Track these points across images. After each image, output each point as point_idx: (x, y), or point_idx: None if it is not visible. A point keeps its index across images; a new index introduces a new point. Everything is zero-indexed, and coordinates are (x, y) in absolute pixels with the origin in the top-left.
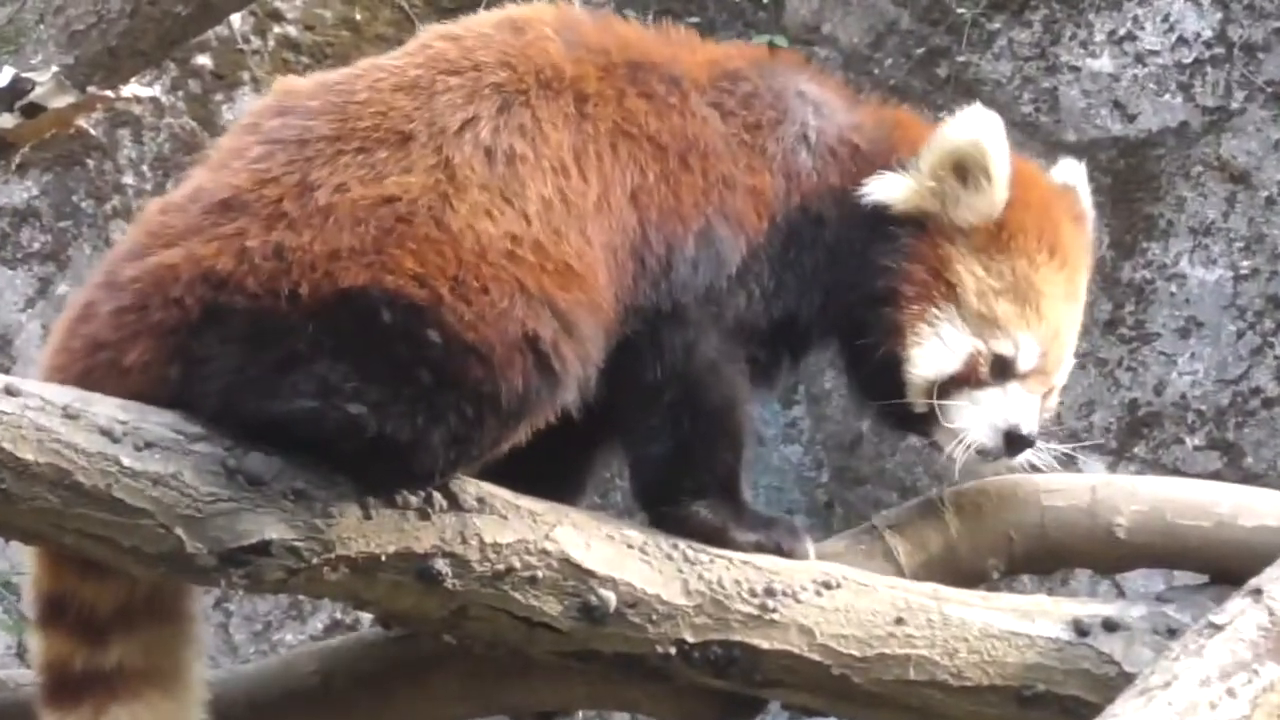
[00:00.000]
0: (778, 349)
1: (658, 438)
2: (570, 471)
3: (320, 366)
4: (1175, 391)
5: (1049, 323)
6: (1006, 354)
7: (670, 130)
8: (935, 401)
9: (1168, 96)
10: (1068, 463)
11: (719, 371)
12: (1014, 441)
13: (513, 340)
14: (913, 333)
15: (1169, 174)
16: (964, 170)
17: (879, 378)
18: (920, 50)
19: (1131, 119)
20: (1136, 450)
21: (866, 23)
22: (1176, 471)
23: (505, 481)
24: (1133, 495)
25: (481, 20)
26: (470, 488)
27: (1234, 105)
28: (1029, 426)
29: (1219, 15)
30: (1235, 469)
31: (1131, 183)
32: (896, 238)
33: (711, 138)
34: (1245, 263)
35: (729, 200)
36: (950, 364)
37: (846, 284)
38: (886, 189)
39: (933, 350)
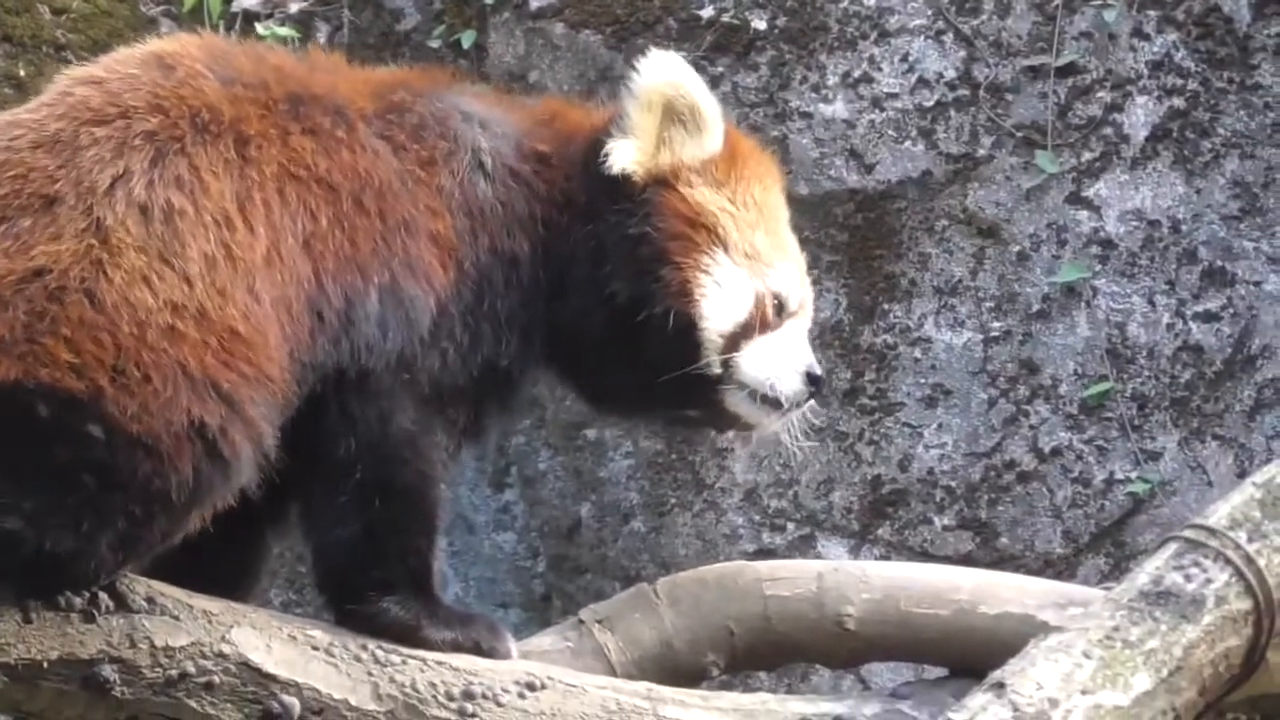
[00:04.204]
0: (482, 402)
1: (345, 519)
2: (243, 557)
3: None
4: (922, 466)
5: (793, 249)
6: (783, 291)
7: (341, 168)
8: (729, 355)
9: (908, 144)
10: (803, 547)
11: (416, 446)
12: (814, 382)
13: (179, 429)
14: (696, 286)
15: (911, 228)
16: (674, 112)
17: (670, 349)
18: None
19: (869, 169)
20: (880, 532)
21: (577, 69)
22: (925, 554)
23: (174, 573)
24: (864, 582)
25: (126, 59)
26: (139, 587)
27: (981, 152)
28: (817, 365)
29: (962, 54)
30: (989, 550)
31: (870, 239)
32: (643, 203)
33: (386, 175)
34: (996, 324)
35: (412, 249)
36: (740, 310)
37: (615, 270)
38: (622, 157)
39: (718, 299)
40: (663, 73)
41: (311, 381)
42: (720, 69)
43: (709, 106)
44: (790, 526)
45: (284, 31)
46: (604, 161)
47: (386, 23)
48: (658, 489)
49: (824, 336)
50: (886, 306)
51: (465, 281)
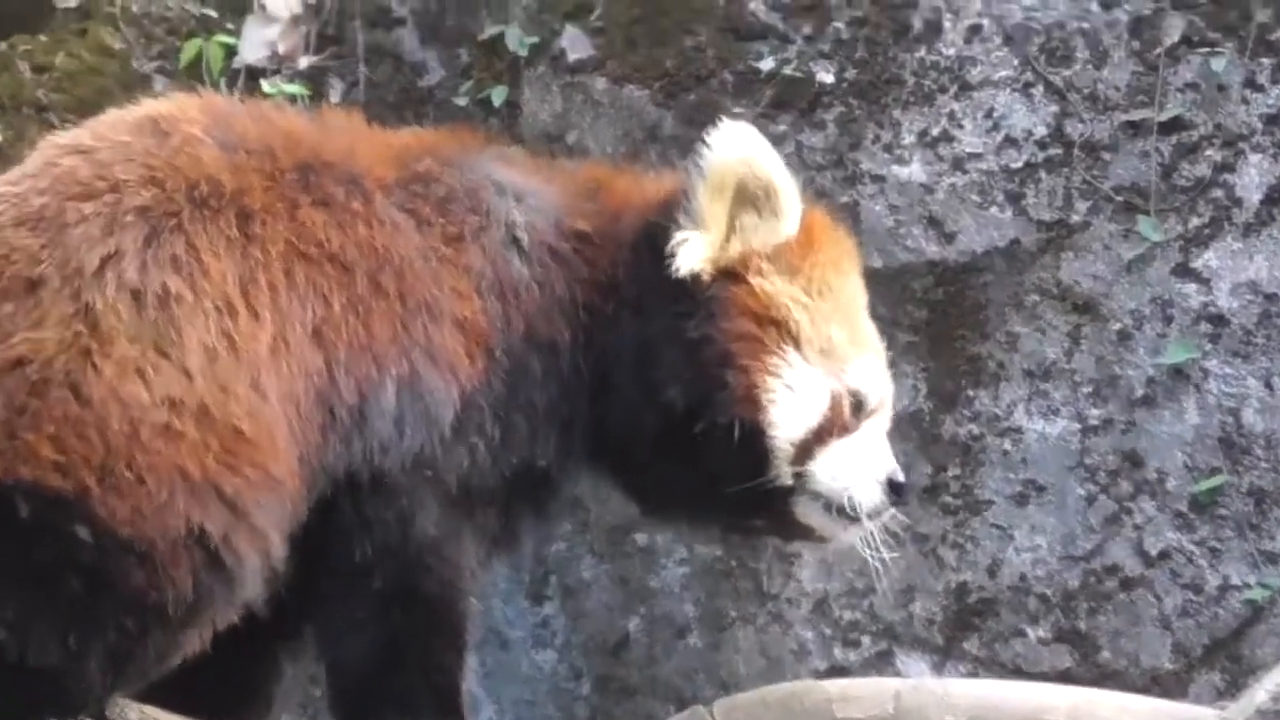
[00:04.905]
0: (516, 504)
1: (362, 634)
2: (253, 681)
3: None
4: (1013, 572)
5: (872, 340)
6: (861, 388)
7: (356, 245)
8: (802, 468)
9: (994, 210)
10: (880, 664)
11: (441, 552)
12: (896, 490)
13: (177, 536)
14: (764, 391)
15: (998, 304)
16: (746, 194)
17: (735, 460)
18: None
19: (950, 239)
20: (967, 646)
21: (621, 128)
22: (1017, 670)
23: (174, 699)
24: (947, 703)
25: (116, 124)
26: (132, 713)
27: (1075, 218)
28: (900, 471)
29: (1054, 109)
30: (1089, 665)
31: (952, 316)
32: (708, 301)
33: (407, 252)
34: (1094, 411)
35: (435, 335)
36: (813, 414)
37: (671, 375)
38: (692, 257)
39: (789, 404)
40: (735, 148)
41: (321, 485)
42: (782, 127)
43: (786, 187)
44: (865, 641)
45: (293, 89)
46: (670, 262)
47: (407, 78)
48: (716, 600)
49: (901, 427)
50: (971, 393)
51: (496, 371)
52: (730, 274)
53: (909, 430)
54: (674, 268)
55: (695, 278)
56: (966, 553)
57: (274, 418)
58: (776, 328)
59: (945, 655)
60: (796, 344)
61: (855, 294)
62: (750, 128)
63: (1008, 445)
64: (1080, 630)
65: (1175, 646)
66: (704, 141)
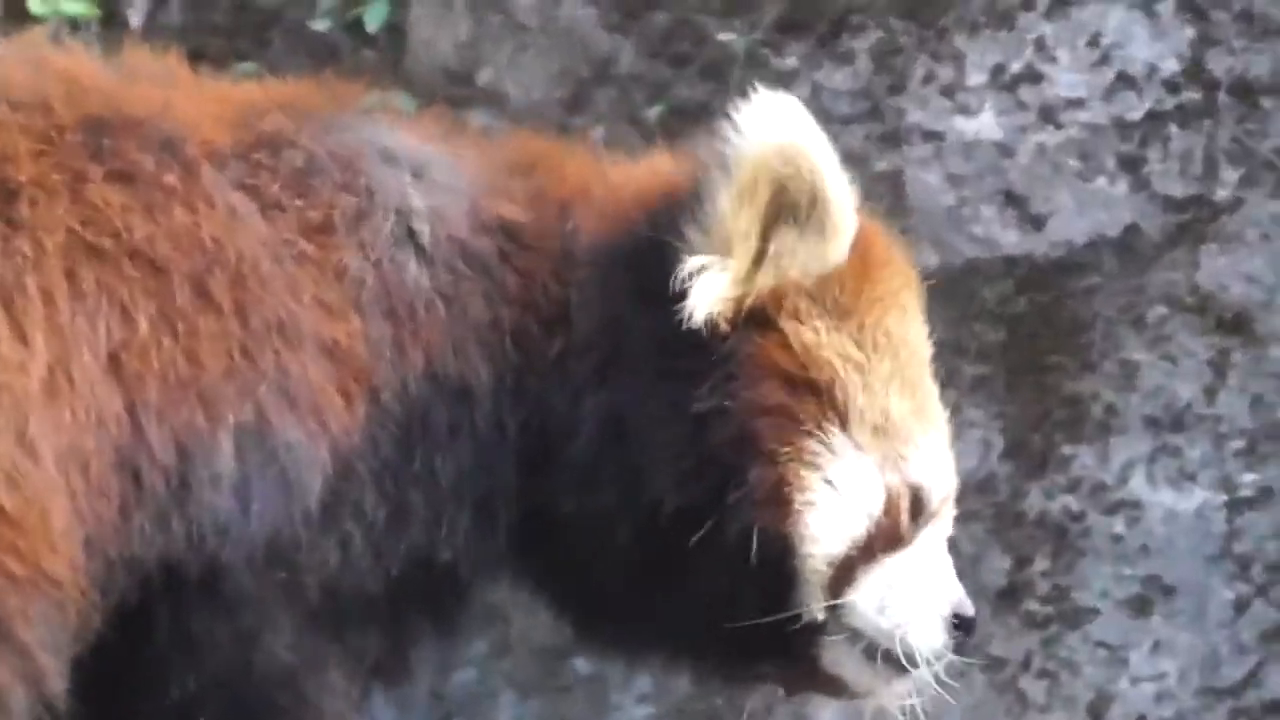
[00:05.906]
0: (406, 618)
1: None
2: None
3: None
4: (1128, 711)
5: (935, 409)
6: (924, 483)
7: (172, 236)
8: (840, 599)
9: (1102, 181)
10: None
11: (297, 687)
12: (963, 627)
13: None
14: (797, 490)
15: (1107, 320)
16: (786, 202)
17: (747, 586)
18: (655, 109)
19: (1038, 224)
20: None
21: (558, 64)
22: None
23: None
24: None
25: None
26: None
27: (1221, 194)
28: (968, 601)
29: (1189, 32)
30: None
31: (1041, 338)
32: (724, 357)
33: (248, 247)
34: (1247, 477)
35: (292, 368)
36: (860, 520)
37: (660, 466)
38: (710, 294)
39: (831, 509)
40: (772, 133)
41: (123, 586)
42: (791, 60)
43: (838, 191)
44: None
45: (75, 8)
46: (676, 302)
47: None
48: None
49: (965, 499)
50: (1068, 450)
51: (383, 424)
52: (758, 318)
53: (978, 505)
54: (685, 311)
55: (713, 330)
56: (1060, 684)
57: (49, 486)
58: (817, 397)
59: None
60: (843, 420)
61: (919, 345)
62: (793, 102)
63: (1120, 526)
64: None
65: None
66: (729, 120)
